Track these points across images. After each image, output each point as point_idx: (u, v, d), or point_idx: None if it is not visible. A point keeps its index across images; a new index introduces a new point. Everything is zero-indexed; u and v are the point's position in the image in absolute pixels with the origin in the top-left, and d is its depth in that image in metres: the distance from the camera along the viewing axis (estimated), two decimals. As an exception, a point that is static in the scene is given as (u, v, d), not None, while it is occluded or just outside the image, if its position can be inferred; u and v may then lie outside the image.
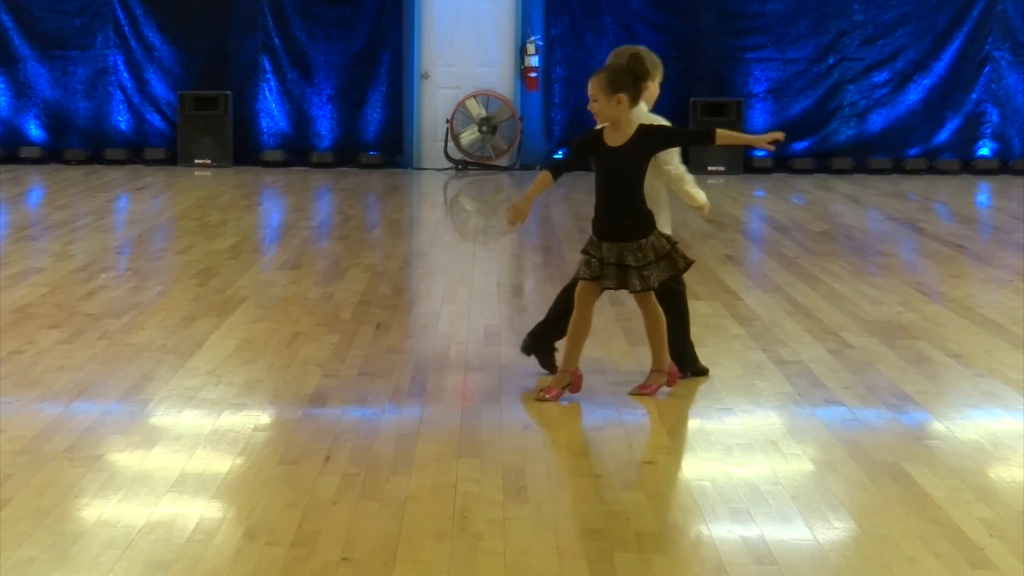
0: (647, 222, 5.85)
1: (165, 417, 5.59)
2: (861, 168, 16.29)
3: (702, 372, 6.31)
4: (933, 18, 16.29)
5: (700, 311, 7.88)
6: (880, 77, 16.37)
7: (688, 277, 8.90)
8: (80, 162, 16.16)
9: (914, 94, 16.40)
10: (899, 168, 16.34)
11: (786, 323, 7.56)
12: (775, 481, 4.87)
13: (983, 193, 14.84)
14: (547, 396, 5.89)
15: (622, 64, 5.83)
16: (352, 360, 6.61)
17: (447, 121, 16.30)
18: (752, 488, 4.78)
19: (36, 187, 14.30)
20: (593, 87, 5.81)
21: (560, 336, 6.12)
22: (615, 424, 5.68)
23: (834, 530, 4.39)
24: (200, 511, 4.47)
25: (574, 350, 5.93)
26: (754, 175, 16.00)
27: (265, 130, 16.49)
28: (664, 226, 6.03)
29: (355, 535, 4.27)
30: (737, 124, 16.03)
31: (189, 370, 6.34)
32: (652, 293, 5.88)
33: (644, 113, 6.07)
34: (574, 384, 5.93)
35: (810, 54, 16.37)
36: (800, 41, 16.35)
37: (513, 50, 16.43)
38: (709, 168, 15.97)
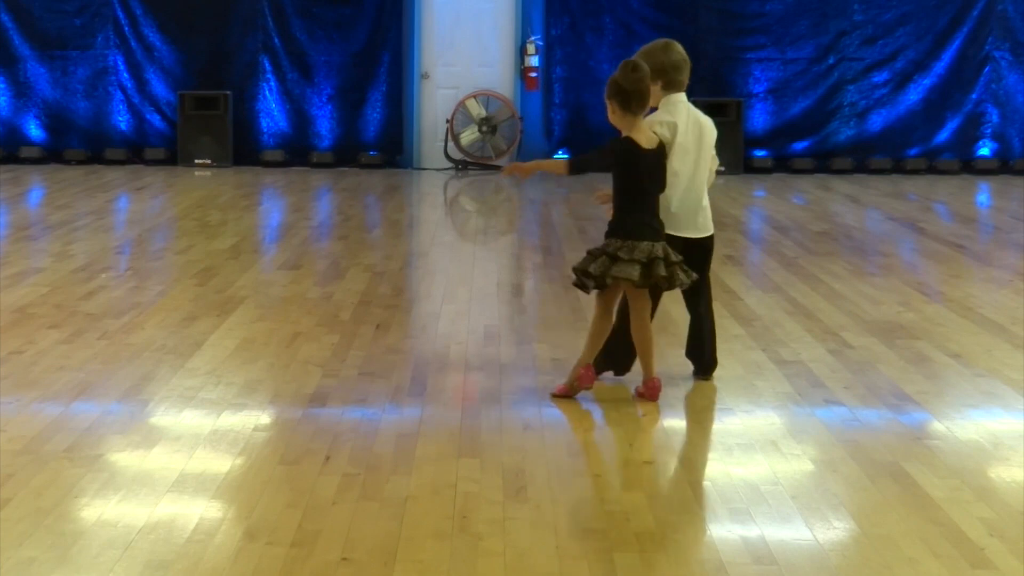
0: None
1: (165, 417, 5.60)
2: (861, 168, 16.29)
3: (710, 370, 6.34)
4: (933, 18, 16.29)
5: (700, 311, 7.89)
6: (880, 77, 16.37)
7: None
8: (80, 162, 16.16)
9: (914, 94, 16.40)
10: (899, 168, 16.34)
11: (786, 323, 7.57)
12: (775, 481, 4.88)
13: (983, 193, 14.84)
14: (557, 391, 5.97)
15: (616, 74, 5.85)
16: (352, 360, 6.61)
17: (447, 121, 16.30)
18: (752, 488, 4.78)
19: (36, 187, 14.30)
20: None
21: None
22: (615, 424, 5.68)
23: (834, 530, 4.40)
24: (200, 511, 4.47)
25: (593, 349, 5.96)
26: (754, 175, 16.00)
27: (265, 130, 16.49)
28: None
29: (355, 535, 4.27)
30: (737, 124, 16.05)
31: (189, 370, 6.34)
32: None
33: (676, 103, 6.07)
34: (584, 379, 5.93)
35: (810, 54, 16.37)
36: (800, 41, 16.34)
37: (513, 50, 16.43)
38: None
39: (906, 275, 9.33)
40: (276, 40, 16.30)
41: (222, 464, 4.97)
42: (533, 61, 16.20)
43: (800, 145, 16.42)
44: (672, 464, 5.16)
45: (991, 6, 16.19)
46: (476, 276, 9.12)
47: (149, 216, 12.58)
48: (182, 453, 5.09)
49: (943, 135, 16.42)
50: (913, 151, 16.42)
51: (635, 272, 5.70)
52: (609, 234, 5.85)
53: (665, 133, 5.97)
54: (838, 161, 16.29)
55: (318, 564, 4.04)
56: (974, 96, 16.34)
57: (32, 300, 7.90)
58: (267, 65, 16.34)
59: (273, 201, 13.75)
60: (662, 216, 5.91)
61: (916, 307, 8.08)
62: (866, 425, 5.63)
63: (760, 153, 16.38)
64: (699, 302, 6.23)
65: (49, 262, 9.30)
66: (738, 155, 16.10)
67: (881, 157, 16.33)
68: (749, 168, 16.19)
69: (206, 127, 16.22)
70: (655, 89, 6.04)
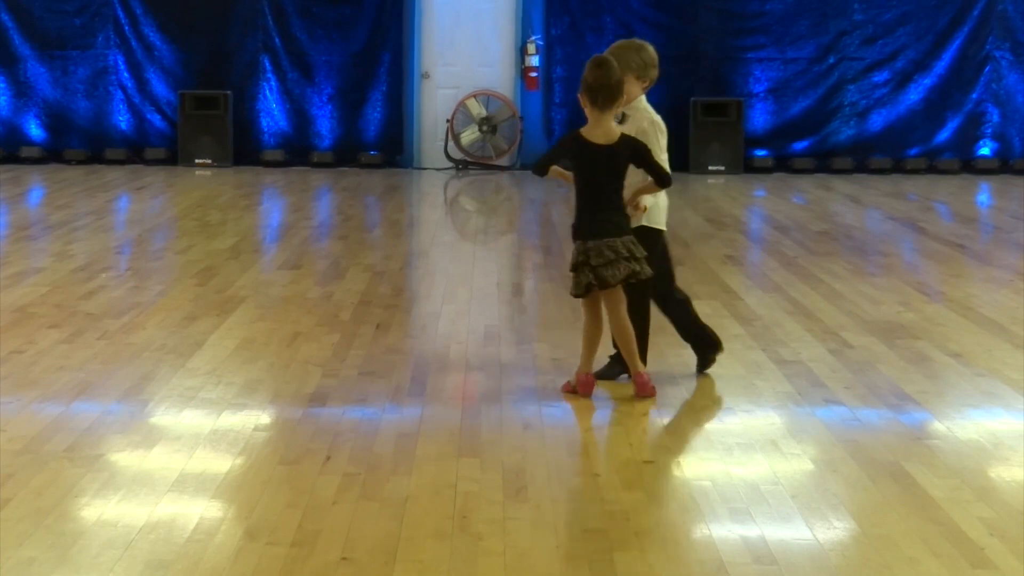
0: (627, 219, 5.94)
1: (165, 417, 5.60)
2: (861, 168, 16.29)
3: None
4: (933, 18, 16.29)
5: (700, 311, 7.85)
6: (880, 77, 16.37)
7: (688, 277, 8.96)
8: (80, 162, 16.16)
9: (914, 94, 16.39)
10: (899, 168, 16.34)
11: (786, 323, 7.56)
12: (775, 481, 4.87)
13: (983, 193, 14.84)
14: (565, 388, 6.02)
15: (585, 70, 5.85)
16: (352, 360, 6.61)
17: (447, 121, 16.30)
18: (752, 488, 4.78)
19: (36, 187, 14.30)
20: None
21: (685, 336, 6.38)
22: (615, 424, 5.68)
23: (834, 530, 4.39)
24: (200, 511, 4.47)
25: (589, 354, 5.98)
26: (754, 175, 16.00)
27: (265, 130, 16.49)
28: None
29: (355, 535, 4.27)
30: (737, 124, 16.06)
31: (189, 370, 6.34)
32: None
33: (642, 107, 6.09)
34: (583, 386, 5.94)
35: (810, 54, 16.37)
36: (800, 41, 16.34)
37: (513, 50, 16.43)
38: (710, 168, 15.99)
39: (906, 275, 9.32)
40: (276, 40, 16.30)
41: (222, 464, 4.97)
42: (533, 61, 16.20)
43: (800, 145, 16.42)
44: (672, 464, 5.16)
45: (991, 6, 16.19)
46: (476, 276, 9.12)
47: (149, 216, 12.58)
48: (182, 453, 5.09)
49: (943, 135, 16.42)
50: (913, 151, 16.41)
51: (616, 274, 5.77)
52: (573, 236, 5.92)
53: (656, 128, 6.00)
54: (838, 161, 16.28)
55: (318, 564, 4.04)
56: (974, 96, 16.34)
57: (32, 300, 7.90)
58: (267, 65, 16.33)
59: (273, 201, 13.75)
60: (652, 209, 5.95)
61: (916, 307, 8.08)
62: (866, 425, 5.62)
63: (760, 153, 16.38)
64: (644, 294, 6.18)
65: (49, 262, 9.30)
66: (738, 155, 16.10)
67: (881, 157, 16.33)
68: (749, 168, 16.19)
69: (206, 127, 16.22)
70: (637, 86, 6.04)
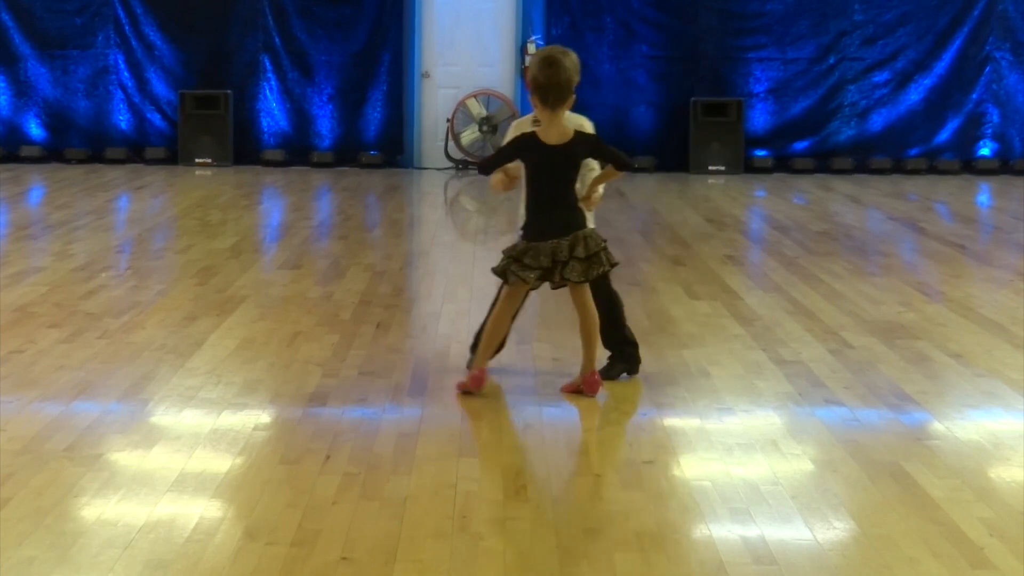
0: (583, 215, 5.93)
1: (165, 417, 5.60)
2: (861, 168, 16.29)
3: (635, 371, 6.31)
4: (933, 18, 16.29)
5: (700, 311, 7.89)
6: (880, 77, 16.37)
7: (688, 277, 8.96)
8: (80, 161, 16.16)
9: (915, 94, 16.39)
10: (899, 168, 16.34)
11: (786, 323, 7.56)
12: (775, 481, 4.87)
13: (983, 193, 14.84)
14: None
15: (532, 68, 5.82)
16: (352, 360, 6.61)
17: (448, 121, 16.30)
18: (752, 488, 4.78)
19: (36, 186, 14.30)
20: None
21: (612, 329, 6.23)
22: (615, 424, 5.68)
23: (834, 530, 4.39)
24: (200, 511, 4.47)
25: (590, 352, 5.98)
26: (754, 175, 16.00)
27: (265, 129, 16.49)
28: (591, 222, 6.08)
29: (355, 535, 4.27)
30: (738, 124, 16.06)
31: (189, 369, 6.34)
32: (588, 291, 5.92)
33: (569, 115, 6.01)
34: (473, 383, 5.93)
35: (810, 54, 16.37)
36: (800, 41, 16.34)
37: (513, 50, 16.43)
38: (710, 168, 15.99)
39: (906, 275, 9.32)
40: (276, 39, 16.30)
41: (222, 464, 4.97)
42: (534, 61, 16.18)
43: (800, 145, 16.42)
44: (672, 464, 5.16)
45: (991, 6, 16.19)
46: (476, 276, 9.12)
47: (149, 215, 12.58)
48: (182, 453, 5.09)
49: (944, 135, 16.41)
50: (914, 151, 16.41)
51: (531, 276, 5.80)
52: (522, 235, 5.93)
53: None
54: (838, 161, 16.28)
55: (318, 564, 4.04)
56: (975, 96, 16.34)
57: (32, 299, 7.90)
58: (267, 64, 16.33)
59: (273, 200, 13.75)
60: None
61: (916, 307, 8.08)
62: (866, 425, 5.62)
63: (760, 153, 16.37)
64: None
65: (49, 261, 9.30)
66: (738, 155, 16.10)
67: (881, 157, 16.33)
68: (749, 168, 16.19)
69: (206, 126, 16.22)
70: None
